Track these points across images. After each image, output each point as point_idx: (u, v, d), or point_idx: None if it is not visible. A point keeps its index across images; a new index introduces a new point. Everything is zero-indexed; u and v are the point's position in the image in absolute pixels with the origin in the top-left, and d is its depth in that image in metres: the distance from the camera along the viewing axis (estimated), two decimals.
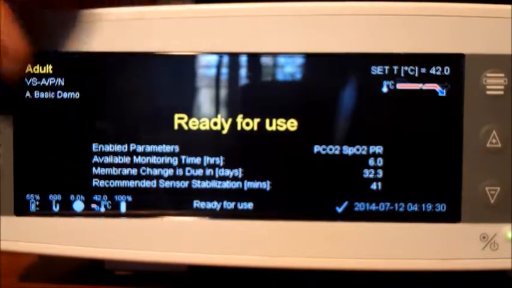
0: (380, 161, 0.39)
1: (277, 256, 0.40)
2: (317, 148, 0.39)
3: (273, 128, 0.39)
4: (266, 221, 0.40)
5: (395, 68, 0.39)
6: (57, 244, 0.40)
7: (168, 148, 0.40)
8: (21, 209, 0.41)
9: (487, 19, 0.38)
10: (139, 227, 0.40)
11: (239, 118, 0.39)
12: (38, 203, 0.40)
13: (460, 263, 0.39)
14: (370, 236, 0.39)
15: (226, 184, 0.40)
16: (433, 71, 0.39)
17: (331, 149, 0.39)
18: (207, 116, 0.40)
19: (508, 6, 0.38)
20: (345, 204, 0.39)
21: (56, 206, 0.40)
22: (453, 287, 0.43)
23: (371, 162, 0.39)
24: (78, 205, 0.40)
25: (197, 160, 0.40)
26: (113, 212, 0.40)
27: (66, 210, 0.40)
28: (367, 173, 0.39)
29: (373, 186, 0.39)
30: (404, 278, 0.42)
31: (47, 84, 0.40)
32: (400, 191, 0.39)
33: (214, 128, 0.40)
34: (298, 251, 0.39)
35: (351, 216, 0.39)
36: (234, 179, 0.40)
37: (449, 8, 0.39)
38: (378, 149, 0.39)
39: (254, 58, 0.39)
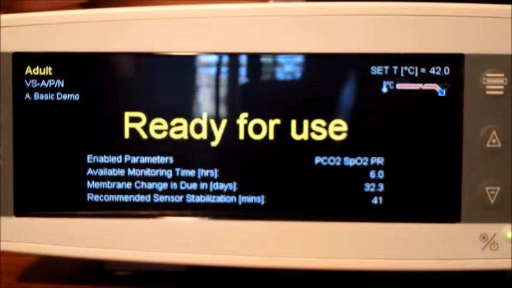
0: (380, 161, 0.39)
1: (278, 256, 0.40)
2: (318, 159, 0.39)
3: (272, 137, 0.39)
4: (266, 221, 0.40)
5: (395, 68, 0.39)
6: (57, 244, 0.40)
7: (162, 159, 0.40)
8: (21, 209, 0.41)
9: (487, 19, 0.38)
10: (139, 227, 0.40)
11: (240, 119, 0.39)
12: (37, 203, 0.40)
13: (460, 263, 0.39)
14: (370, 236, 0.39)
15: (220, 199, 0.40)
16: (432, 71, 0.39)
17: (332, 160, 0.39)
18: (202, 120, 0.40)
19: (508, 6, 0.38)
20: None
21: (56, 207, 0.40)
22: (453, 287, 0.43)
23: (372, 161, 0.39)
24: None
25: (191, 173, 0.40)
26: (113, 212, 0.40)
27: (66, 211, 0.40)
28: (369, 174, 0.39)
29: (373, 186, 0.39)
30: (405, 278, 0.42)
31: (46, 86, 0.40)
32: (400, 189, 0.39)
33: (211, 137, 0.40)
34: (298, 252, 0.39)
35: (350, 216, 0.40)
36: (229, 193, 0.40)
37: (449, 8, 0.39)
38: (378, 149, 0.39)
39: (254, 58, 0.39)
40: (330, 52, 0.39)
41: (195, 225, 0.40)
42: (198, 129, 0.40)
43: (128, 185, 0.40)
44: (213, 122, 0.40)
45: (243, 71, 0.40)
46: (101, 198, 0.40)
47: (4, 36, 0.40)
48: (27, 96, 0.40)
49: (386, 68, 0.39)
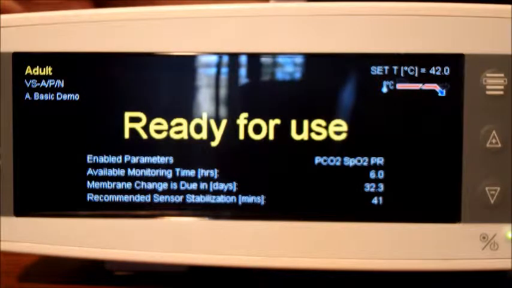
0: (380, 161, 0.39)
1: (278, 256, 0.40)
2: (318, 159, 0.39)
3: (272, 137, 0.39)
4: (267, 221, 0.40)
5: (395, 68, 0.39)
6: (57, 245, 0.40)
7: (162, 159, 0.40)
8: (21, 209, 0.41)
9: (487, 19, 0.38)
10: (139, 227, 0.40)
11: (240, 119, 0.39)
12: (37, 203, 0.40)
13: (460, 263, 0.39)
14: (371, 236, 0.39)
15: (220, 199, 0.40)
16: (433, 71, 0.39)
17: (332, 160, 0.39)
18: (202, 120, 0.40)
19: (508, 6, 0.38)
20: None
21: (56, 207, 0.40)
22: (453, 287, 0.43)
23: (372, 161, 0.39)
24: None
25: (191, 173, 0.40)
26: (113, 212, 0.40)
27: (66, 211, 0.40)
28: (369, 174, 0.39)
29: (373, 186, 0.39)
30: (405, 278, 0.42)
31: (46, 86, 0.40)
32: (400, 189, 0.39)
33: (211, 137, 0.40)
34: (298, 252, 0.39)
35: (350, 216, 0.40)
36: (229, 193, 0.40)
37: (449, 8, 0.39)
38: (378, 149, 0.39)
39: (254, 58, 0.39)
40: (330, 52, 0.39)
41: (195, 225, 0.40)
42: (198, 129, 0.40)
43: (128, 185, 0.40)
44: (213, 122, 0.40)
45: (243, 71, 0.40)
46: (101, 198, 0.40)
47: (4, 36, 0.40)
48: (27, 96, 0.40)
49: (386, 68, 0.39)
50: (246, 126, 0.39)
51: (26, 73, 0.40)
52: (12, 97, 0.40)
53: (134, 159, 0.40)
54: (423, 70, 0.39)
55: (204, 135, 0.40)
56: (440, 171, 0.39)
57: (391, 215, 0.39)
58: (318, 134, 0.39)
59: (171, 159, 0.40)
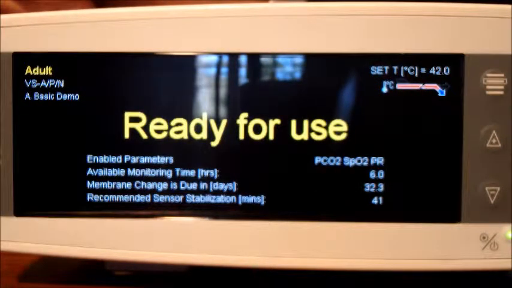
0: (380, 161, 0.39)
1: (278, 256, 0.40)
2: (318, 159, 0.39)
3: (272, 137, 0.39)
4: (266, 221, 0.40)
5: (395, 68, 0.39)
6: (57, 244, 0.40)
7: (162, 159, 0.40)
8: (21, 209, 0.41)
9: (487, 19, 0.38)
10: (139, 227, 0.40)
11: (240, 119, 0.39)
12: (38, 203, 0.40)
13: (460, 263, 0.39)
14: (371, 236, 0.39)
15: (220, 199, 0.40)
16: (432, 71, 0.39)
17: (332, 160, 0.39)
18: (202, 120, 0.40)
19: (508, 6, 0.38)
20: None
21: (56, 207, 0.40)
22: (453, 287, 0.43)
23: (372, 161, 0.39)
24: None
25: (191, 173, 0.40)
26: (113, 212, 0.40)
27: (66, 211, 0.40)
28: (369, 174, 0.39)
29: (373, 186, 0.39)
30: (405, 278, 0.42)
31: (46, 86, 0.40)
32: (400, 189, 0.39)
33: (211, 137, 0.40)
34: (298, 251, 0.40)
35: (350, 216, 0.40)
36: (229, 193, 0.40)
37: (449, 8, 0.39)
38: (378, 149, 0.39)
39: (254, 58, 0.39)
40: (330, 52, 0.39)
41: (195, 225, 0.40)
42: (198, 129, 0.40)
43: (128, 185, 0.40)
44: (213, 122, 0.40)
45: (243, 71, 0.40)
46: (101, 198, 0.40)
47: (4, 36, 0.40)
48: (27, 96, 0.40)
49: (386, 68, 0.39)
50: (246, 126, 0.39)
51: (26, 73, 0.40)
52: (12, 97, 0.40)
53: (134, 159, 0.40)
54: (423, 70, 0.39)
55: (204, 135, 0.40)
56: (440, 171, 0.39)
57: (391, 215, 0.39)
58: (318, 134, 0.39)
59: (171, 159, 0.40)
